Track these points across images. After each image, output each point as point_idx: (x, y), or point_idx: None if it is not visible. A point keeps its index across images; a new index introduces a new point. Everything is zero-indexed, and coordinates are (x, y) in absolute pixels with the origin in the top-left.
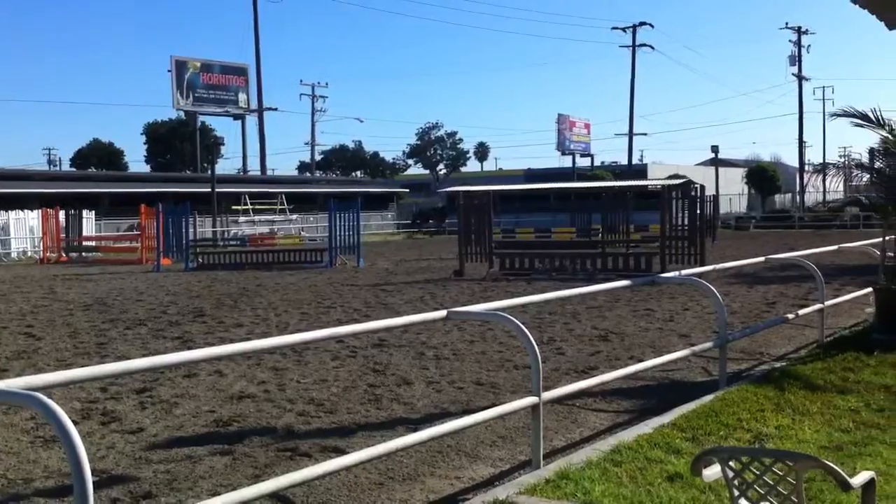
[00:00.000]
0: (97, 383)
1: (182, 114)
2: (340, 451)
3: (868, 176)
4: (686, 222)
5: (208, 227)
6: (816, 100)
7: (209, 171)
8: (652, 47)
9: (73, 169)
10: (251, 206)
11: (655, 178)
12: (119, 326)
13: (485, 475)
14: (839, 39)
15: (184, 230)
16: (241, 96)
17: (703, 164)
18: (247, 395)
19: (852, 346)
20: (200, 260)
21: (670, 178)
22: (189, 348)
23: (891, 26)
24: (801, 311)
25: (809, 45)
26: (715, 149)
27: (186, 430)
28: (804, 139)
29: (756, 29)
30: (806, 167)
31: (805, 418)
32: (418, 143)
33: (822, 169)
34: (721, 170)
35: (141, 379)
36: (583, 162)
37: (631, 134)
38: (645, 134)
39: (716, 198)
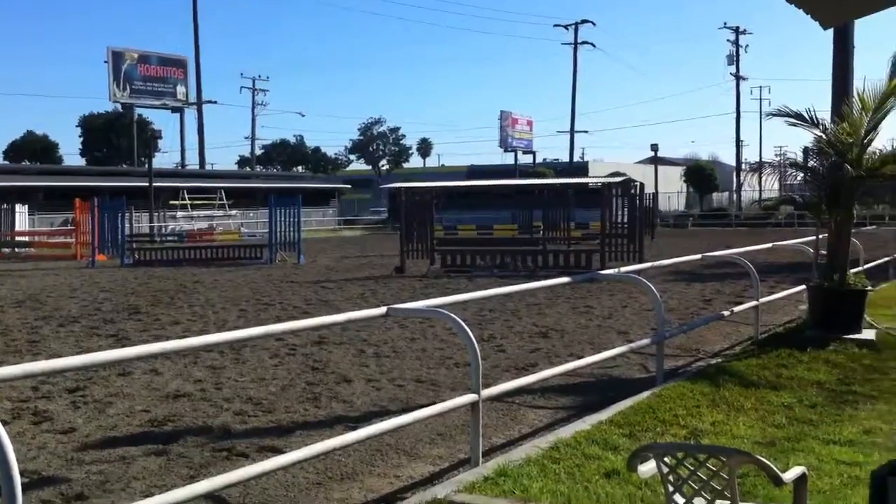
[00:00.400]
0: (28, 382)
1: (119, 106)
2: (278, 451)
3: (802, 175)
4: (626, 220)
5: (145, 222)
6: (753, 99)
7: (146, 165)
8: (594, 45)
9: (6, 162)
10: (189, 202)
11: (596, 175)
12: (52, 324)
13: (424, 473)
14: (776, 40)
15: (120, 225)
16: (180, 89)
17: (643, 161)
18: (183, 394)
19: (786, 343)
20: (137, 256)
21: (611, 175)
22: (124, 346)
23: (825, 25)
24: (737, 309)
25: (747, 45)
26: (655, 147)
27: (120, 430)
28: (741, 138)
29: (695, 28)
30: (743, 166)
31: (740, 414)
32: (361, 138)
33: (758, 168)
34: (660, 168)
35: (73, 378)
36: (525, 159)
37: (573, 131)
38: (586, 131)
39: (655, 196)
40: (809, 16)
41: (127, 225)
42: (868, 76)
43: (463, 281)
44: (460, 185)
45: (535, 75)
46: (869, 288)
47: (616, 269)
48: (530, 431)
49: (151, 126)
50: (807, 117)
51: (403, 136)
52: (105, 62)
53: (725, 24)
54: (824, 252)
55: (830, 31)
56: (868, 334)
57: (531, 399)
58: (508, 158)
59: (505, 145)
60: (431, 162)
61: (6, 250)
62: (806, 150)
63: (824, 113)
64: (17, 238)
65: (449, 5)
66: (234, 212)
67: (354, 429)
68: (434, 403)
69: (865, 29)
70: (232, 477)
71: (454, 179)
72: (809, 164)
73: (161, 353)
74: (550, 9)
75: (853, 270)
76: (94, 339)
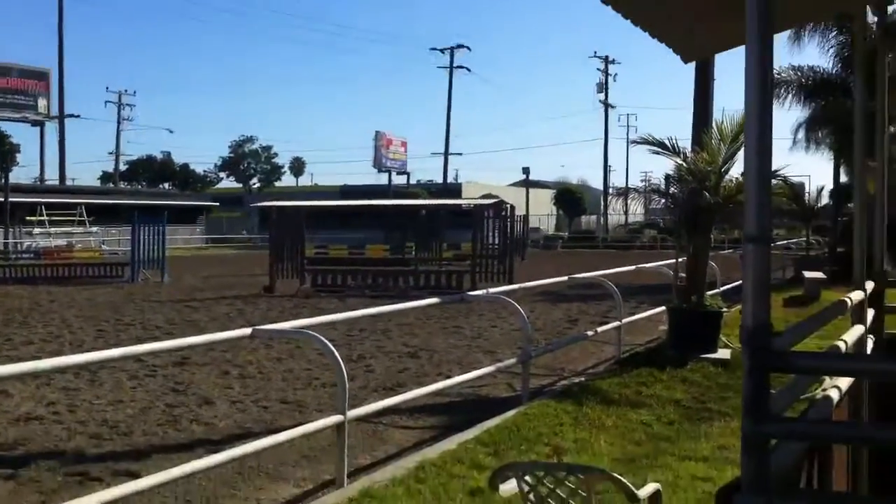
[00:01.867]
0: None
1: None
2: (134, 475)
3: (664, 200)
4: (497, 241)
5: None
6: (621, 126)
7: (2, 180)
8: (468, 69)
9: None
10: (47, 218)
11: (469, 197)
12: None
13: (287, 496)
14: (643, 70)
15: None
16: (41, 102)
17: (516, 184)
18: (34, 416)
19: (647, 362)
20: None
21: (483, 197)
22: None
23: (686, 60)
24: (601, 329)
25: (616, 74)
26: (526, 170)
27: None
28: (609, 163)
29: (567, 57)
30: (610, 190)
31: (601, 432)
32: (231, 155)
33: (624, 193)
34: (532, 191)
35: None
36: (399, 179)
37: (447, 153)
38: (460, 153)
39: (526, 218)
40: (672, 50)
41: None
42: (728, 104)
43: (334, 301)
44: (332, 205)
45: (410, 97)
46: (724, 309)
47: (485, 290)
48: (397, 452)
49: (10, 139)
50: (669, 146)
51: (276, 154)
52: None
53: (596, 53)
54: (683, 275)
55: (692, 64)
56: (723, 354)
57: (399, 419)
58: (382, 179)
59: (379, 166)
60: (304, 181)
61: None
62: (667, 177)
63: (686, 140)
64: None
65: (325, 25)
66: (94, 228)
67: (216, 452)
68: (300, 424)
69: (727, 57)
70: (85, 502)
71: (327, 199)
72: (671, 191)
73: (10, 375)
74: (428, 33)
75: (710, 292)
76: None
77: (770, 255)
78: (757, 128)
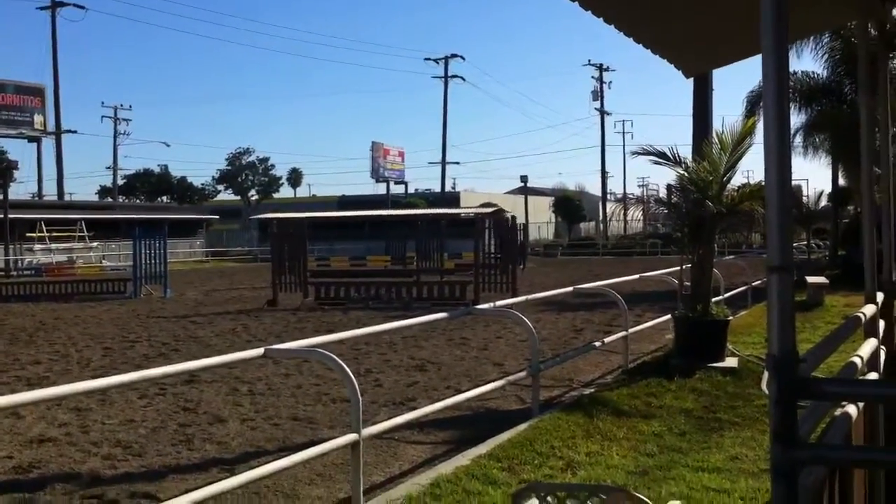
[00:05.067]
0: None
1: None
2: (151, 497)
3: (666, 210)
4: (498, 250)
5: (0, 255)
6: (617, 132)
7: (1, 196)
8: (463, 79)
9: None
10: (47, 234)
11: (468, 205)
12: None
13: None
14: (637, 77)
15: None
16: (38, 118)
17: (513, 192)
18: (47, 438)
19: (654, 372)
20: None
21: (482, 206)
22: None
23: (687, 75)
24: (608, 339)
25: (611, 82)
26: (524, 178)
27: None
28: (607, 170)
29: (561, 65)
30: (609, 196)
31: (613, 444)
32: (229, 168)
33: (623, 200)
34: (530, 198)
35: None
36: (397, 189)
37: (444, 162)
38: (458, 163)
39: (525, 226)
40: (673, 65)
41: None
42: (726, 112)
43: (338, 314)
44: (333, 216)
45: (407, 107)
46: (730, 317)
47: (491, 304)
48: (410, 468)
49: (7, 156)
50: (670, 156)
51: (273, 166)
52: None
53: (590, 61)
54: (688, 283)
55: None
56: (731, 362)
57: (410, 434)
58: (380, 189)
59: (377, 176)
60: (302, 192)
61: None
62: (669, 188)
63: (685, 147)
64: None
65: (321, 38)
66: (95, 244)
67: (230, 471)
68: (312, 441)
69: (723, 69)
70: None
71: (325, 209)
72: (673, 201)
73: (29, 402)
74: (422, 43)
75: (715, 299)
76: None
77: (793, 283)
78: (777, 162)
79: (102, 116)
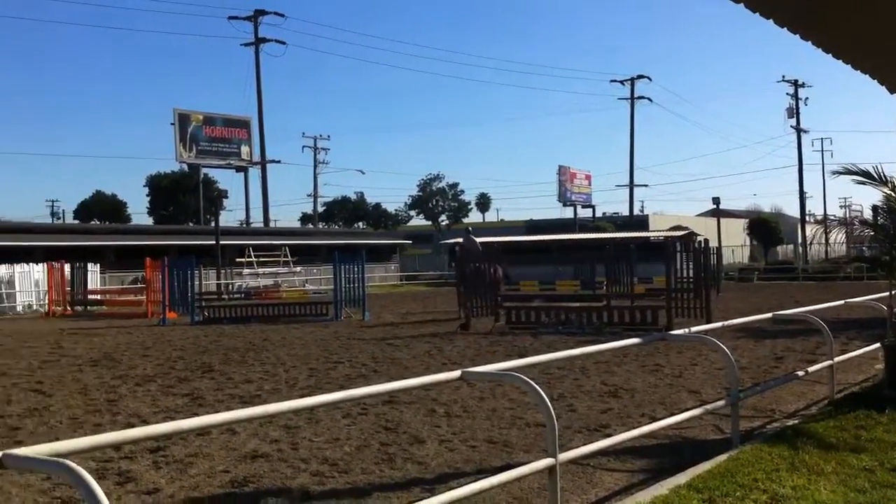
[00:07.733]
0: None
1: (185, 166)
2: None
3: (872, 233)
4: (690, 274)
5: (213, 279)
6: (815, 151)
7: (212, 224)
8: (650, 100)
9: (77, 221)
10: (255, 259)
11: (657, 228)
12: (129, 383)
13: None
14: (836, 93)
15: (189, 283)
16: (244, 149)
17: (704, 214)
18: (260, 454)
19: (863, 403)
20: (206, 313)
21: (672, 229)
22: (199, 405)
23: (892, 90)
24: (812, 368)
25: (807, 98)
26: (716, 200)
27: (202, 490)
28: (804, 190)
29: (753, 82)
30: (808, 218)
31: (820, 478)
32: (420, 194)
33: (824, 222)
34: (723, 221)
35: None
36: (584, 213)
37: (631, 185)
38: (646, 185)
39: (719, 249)
40: (877, 81)
41: (196, 283)
42: None
43: (528, 338)
44: (523, 241)
45: (593, 130)
46: None
47: (686, 330)
48: (607, 495)
49: (217, 185)
50: (875, 175)
51: (462, 191)
52: (171, 124)
53: (784, 77)
54: None
55: None
56: None
57: (606, 461)
58: (567, 213)
59: (563, 199)
60: (490, 216)
61: (79, 308)
62: (875, 208)
63: (892, 166)
64: (90, 296)
65: (508, 64)
66: (298, 268)
67: (431, 491)
68: (508, 465)
69: None
70: None
71: (513, 234)
72: (879, 222)
73: (245, 419)
74: (608, 65)
75: None
76: (170, 397)
77: None
78: None
79: (303, 146)
